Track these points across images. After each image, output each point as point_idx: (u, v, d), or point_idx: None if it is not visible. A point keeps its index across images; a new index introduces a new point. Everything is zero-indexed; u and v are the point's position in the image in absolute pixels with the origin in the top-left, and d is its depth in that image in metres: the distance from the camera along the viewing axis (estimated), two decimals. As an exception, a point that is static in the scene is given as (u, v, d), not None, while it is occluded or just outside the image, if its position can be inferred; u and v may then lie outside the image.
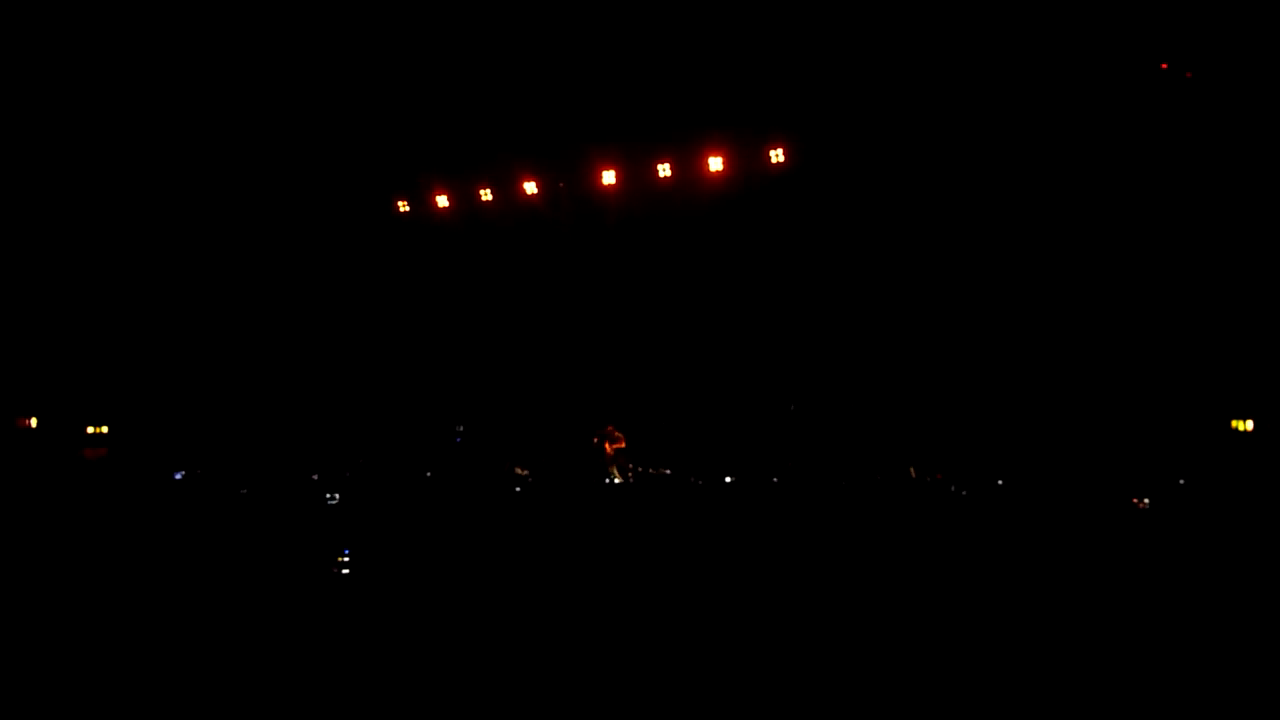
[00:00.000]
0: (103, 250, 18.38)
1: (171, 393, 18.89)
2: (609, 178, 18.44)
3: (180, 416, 18.75)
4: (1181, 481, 13.63)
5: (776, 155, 17.32)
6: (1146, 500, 13.04)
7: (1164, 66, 15.24)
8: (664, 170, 18.07)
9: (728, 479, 18.60)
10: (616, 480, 17.86)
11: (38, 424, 17.79)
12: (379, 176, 19.23)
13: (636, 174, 18.45)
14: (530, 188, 19.03)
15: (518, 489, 18.17)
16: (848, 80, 16.28)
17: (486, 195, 19.23)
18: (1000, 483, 15.46)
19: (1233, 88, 14.51)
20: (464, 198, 19.47)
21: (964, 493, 15.31)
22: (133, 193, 18.13)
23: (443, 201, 19.47)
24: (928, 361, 17.85)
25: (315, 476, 17.40)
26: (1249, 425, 14.27)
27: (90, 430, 18.13)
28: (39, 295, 17.93)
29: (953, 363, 17.69)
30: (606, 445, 17.88)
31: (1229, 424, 14.57)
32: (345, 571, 9.59)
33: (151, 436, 18.22)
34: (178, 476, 16.78)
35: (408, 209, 19.69)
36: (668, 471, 18.85)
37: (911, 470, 16.55)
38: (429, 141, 18.30)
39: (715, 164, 17.72)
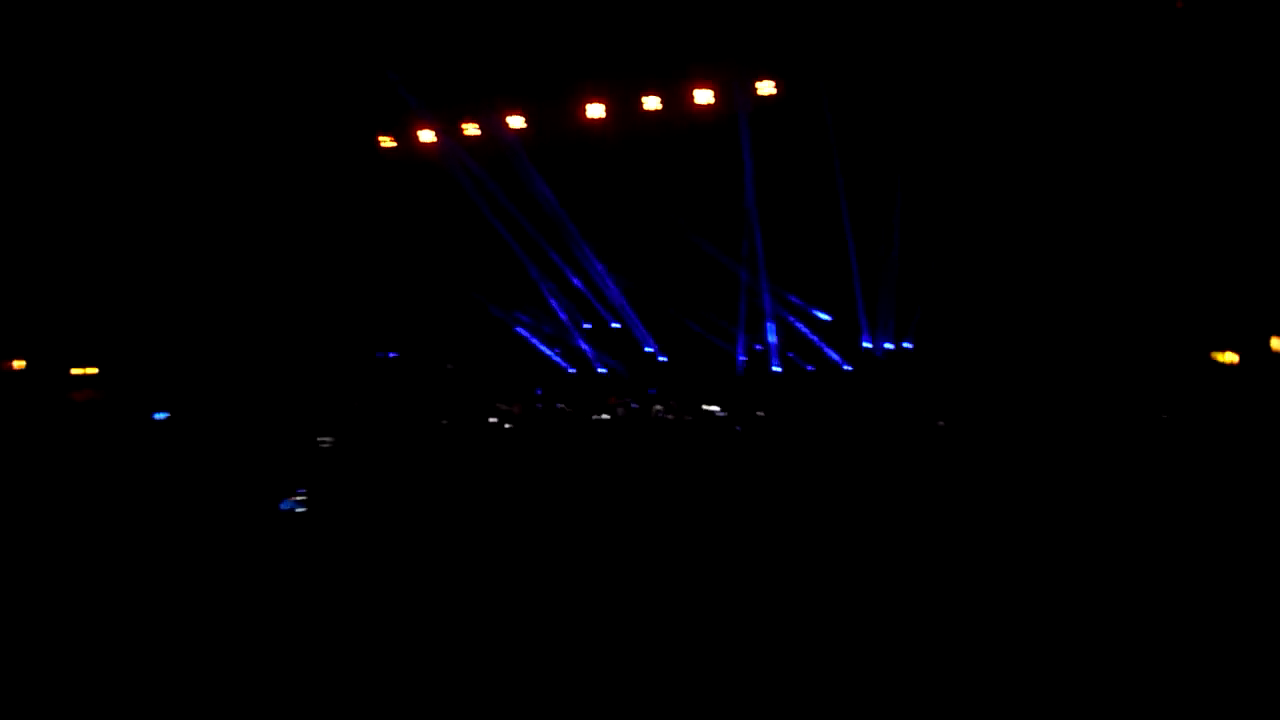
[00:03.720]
0: (86, 191, 18.07)
1: (158, 333, 18.77)
2: (594, 111, 18.15)
3: (168, 357, 18.67)
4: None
5: (765, 88, 17.10)
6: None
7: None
8: (651, 103, 17.79)
9: (717, 410, 18.85)
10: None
11: (25, 366, 17.71)
12: (360, 112, 18.88)
13: (619, 108, 18.16)
14: (515, 122, 18.74)
15: (506, 425, 18.34)
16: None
17: (472, 130, 18.94)
18: (991, 423, 15.66)
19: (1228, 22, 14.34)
20: (448, 133, 19.17)
21: (956, 429, 15.53)
22: (112, 135, 17.76)
23: (426, 137, 19.17)
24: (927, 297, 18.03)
25: (305, 417, 17.44)
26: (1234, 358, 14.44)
27: (77, 372, 18.05)
28: (21, 235, 17.67)
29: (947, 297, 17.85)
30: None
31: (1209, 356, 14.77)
32: (302, 511, 9.66)
33: (140, 377, 18.16)
34: (159, 417, 16.77)
35: (393, 144, 19.38)
36: (659, 409, 19.05)
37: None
38: (410, 76, 17.98)
39: (703, 97, 17.49)
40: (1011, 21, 15.57)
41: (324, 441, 14.39)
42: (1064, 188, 16.40)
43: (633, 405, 19.15)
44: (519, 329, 20.76)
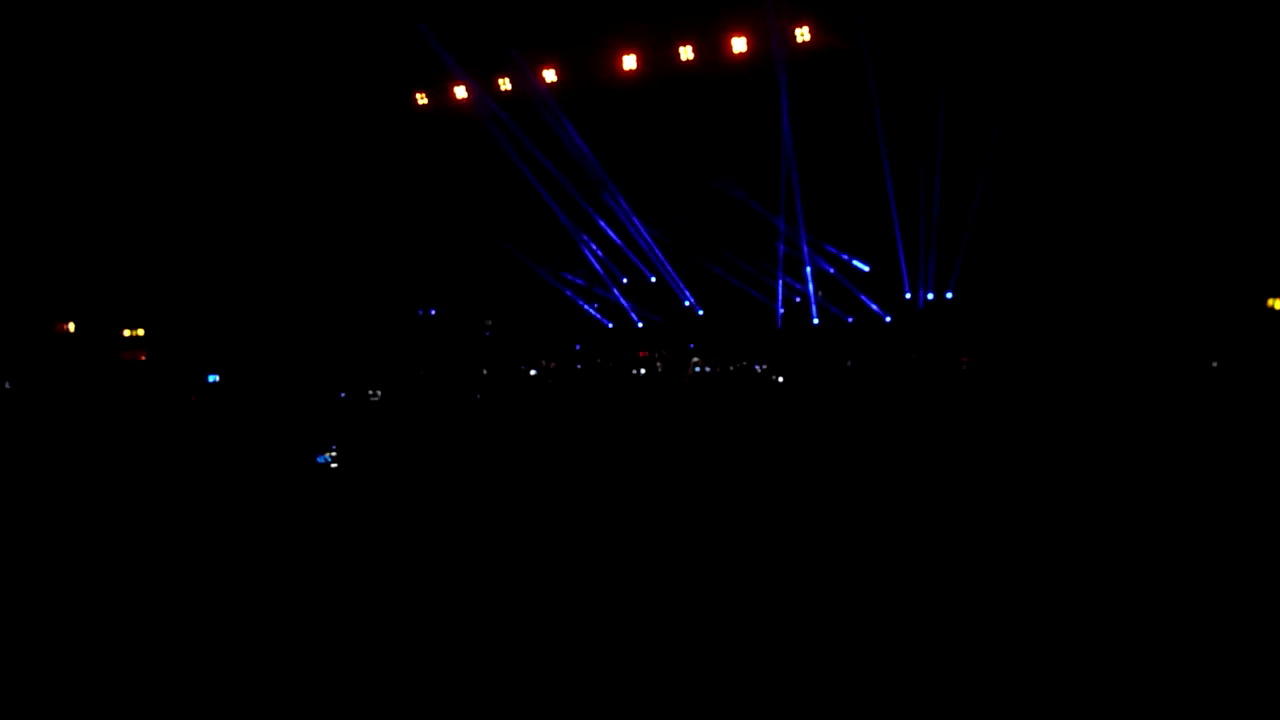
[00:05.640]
0: (135, 153, 18.23)
1: (205, 294, 19.01)
2: (629, 61, 17.89)
3: (214, 318, 18.92)
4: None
5: (803, 34, 16.78)
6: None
7: None
8: (686, 52, 17.52)
9: (756, 365, 18.84)
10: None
11: (75, 329, 18.03)
12: (397, 71, 18.80)
13: (653, 57, 17.87)
14: (548, 75, 18.54)
15: (548, 381, 18.47)
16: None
17: (505, 85, 18.78)
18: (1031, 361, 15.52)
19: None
20: (482, 87, 19.03)
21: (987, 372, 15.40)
22: (160, 97, 17.86)
23: (460, 92, 19.04)
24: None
25: (349, 373, 17.66)
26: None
27: (126, 333, 18.36)
28: (73, 199, 17.89)
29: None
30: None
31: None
32: (347, 465, 9.78)
33: (188, 338, 18.44)
34: (212, 379, 17.04)
35: (426, 102, 19.28)
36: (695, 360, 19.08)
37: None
38: (442, 30, 17.87)
39: (739, 45, 17.20)
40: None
41: (371, 395, 14.60)
42: (1112, 134, 16.00)
43: (671, 360, 19.20)
44: (555, 283, 20.79)
